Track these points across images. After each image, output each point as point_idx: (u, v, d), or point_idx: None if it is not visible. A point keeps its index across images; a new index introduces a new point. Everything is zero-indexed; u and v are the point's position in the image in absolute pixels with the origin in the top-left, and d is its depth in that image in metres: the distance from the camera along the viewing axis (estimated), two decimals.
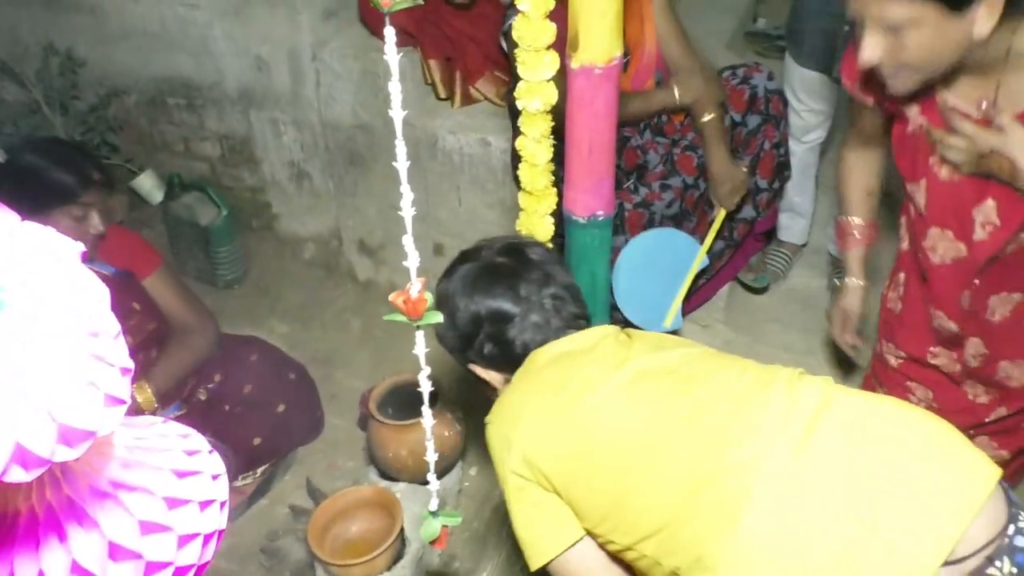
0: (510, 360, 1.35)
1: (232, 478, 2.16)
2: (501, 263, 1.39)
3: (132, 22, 2.75)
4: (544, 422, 1.21)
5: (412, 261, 1.06)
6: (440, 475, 1.98)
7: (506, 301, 1.34)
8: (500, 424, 1.27)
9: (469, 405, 2.38)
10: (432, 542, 1.33)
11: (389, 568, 1.79)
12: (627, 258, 2.06)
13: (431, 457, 1.28)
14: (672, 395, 1.19)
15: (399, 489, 1.95)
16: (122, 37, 2.79)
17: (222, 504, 0.50)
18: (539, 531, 1.23)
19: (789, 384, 1.18)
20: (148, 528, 0.44)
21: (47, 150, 1.95)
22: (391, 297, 1.07)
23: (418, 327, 1.13)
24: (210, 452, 0.53)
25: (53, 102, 2.80)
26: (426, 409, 1.24)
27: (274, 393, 2.21)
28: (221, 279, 2.84)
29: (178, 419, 2.01)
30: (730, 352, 2.43)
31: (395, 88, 0.99)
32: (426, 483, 1.96)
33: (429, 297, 1.10)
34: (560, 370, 1.27)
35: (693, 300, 2.40)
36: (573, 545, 1.23)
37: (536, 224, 1.57)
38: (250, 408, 2.20)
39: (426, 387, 1.21)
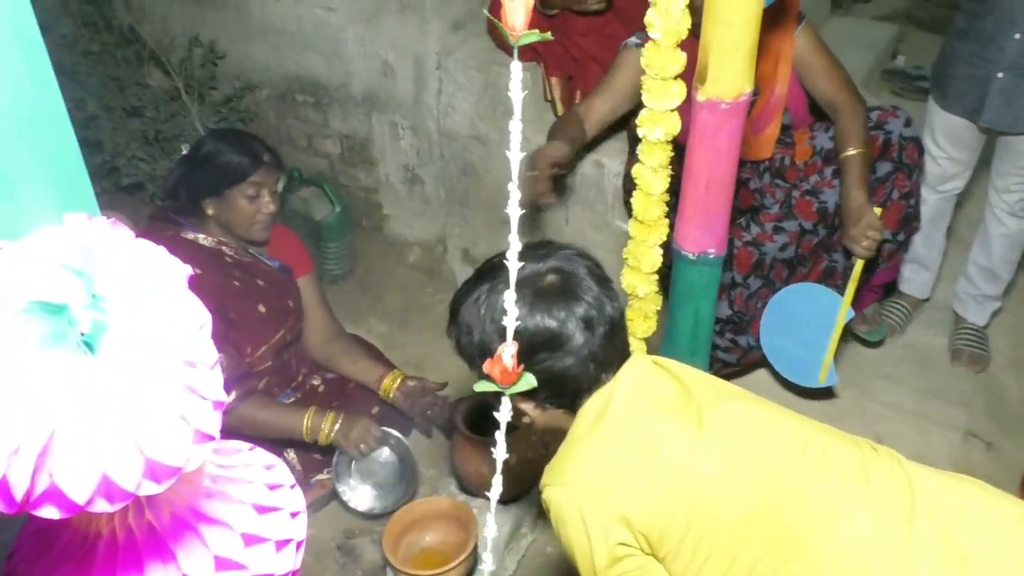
0: (556, 391, 1.21)
1: (319, 470, 2.20)
2: (554, 279, 1.20)
3: (272, 20, 2.86)
4: (648, 489, 1.13)
5: (511, 321, 0.95)
6: (519, 496, 1.96)
7: (563, 323, 1.16)
8: (587, 489, 1.14)
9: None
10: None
11: None
12: (770, 314, 2.01)
13: (491, 531, 1.21)
14: (775, 461, 1.13)
15: (477, 505, 1.93)
16: (261, 34, 2.91)
17: (298, 544, 0.49)
18: None
19: (891, 463, 1.16)
20: (223, 565, 0.43)
21: (223, 136, 2.10)
22: (485, 367, 0.99)
23: (501, 394, 1.06)
24: (292, 487, 0.51)
25: (192, 91, 2.94)
26: (497, 480, 1.16)
27: (371, 393, 2.24)
28: (328, 274, 2.91)
29: (294, 403, 2.12)
30: (835, 408, 2.36)
31: (516, 127, 0.93)
32: (504, 503, 1.96)
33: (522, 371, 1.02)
34: (641, 428, 1.16)
35: None
36: None
37: (644, 254, 1.52)
38: (350, 405, 2.23)
39: (502, 455, 1.12)
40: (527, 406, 1.25)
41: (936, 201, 2.34)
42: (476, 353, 1.21)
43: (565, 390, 1.21)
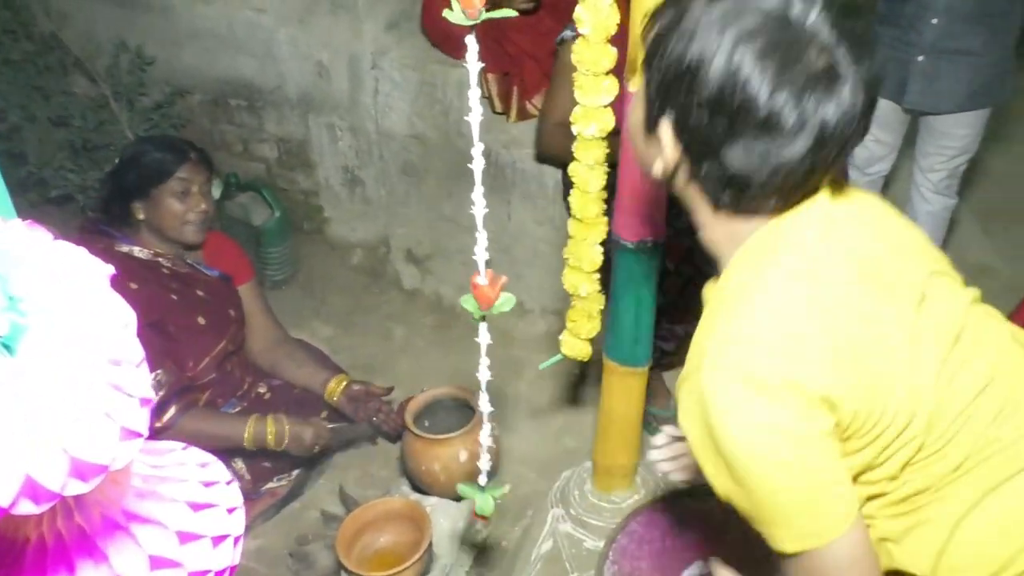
0: (737, 190, 0.90)
1: (268, 478, 2.18)
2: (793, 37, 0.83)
3: (201, 23, 2.80)
4: (843, 355, 0.89)
5: (481, 252, 1.04)
6: None
7: (786, 104, 0.82)
8: (773, 339, 0.88)
9: (504, 422, 2.37)
10: (483, 516, 1.33)
11: None
12: None
13: (484, 458, 1.23)
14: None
15: (430, 503, 1.93)
16: (190, 38, 2.85)
17: (236, 539, 0.49)
18: (821, 503, 0.90)
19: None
20: (158, 563, 0.43)
21: (147, 139, 2.08)
22: (472, 279, 1.06)
23: (482, 318, 1.12)
24: (228, 483, 0.51)
25: (121, 98, 2.87)
26: (483, 395, 1.20)
27: (318, 398, 2.22)
28: (270, 279, 2.87)
29: (239, 412, 2.09)
30: None
31: (474, 95, 1.01)
32: (457, 499, 1.96)
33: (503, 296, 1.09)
34: (851, 281, 0.92)
35: None
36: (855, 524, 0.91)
37: (585, 253, 1.54)
38: (297, 411, 2.21)
39: (485, 376, 1.18)
40: (701, 209, 0.96)
41: (865, 184, 2.42)
42: (672, 74, 0.87)
43: (770, 186, 0.88)
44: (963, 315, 1.00)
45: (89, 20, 2.96)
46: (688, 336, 2.27)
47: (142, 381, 0.42)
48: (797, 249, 0.93)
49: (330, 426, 2.10)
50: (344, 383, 2.17)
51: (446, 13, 0.97)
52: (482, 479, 1.28)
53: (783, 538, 0.93)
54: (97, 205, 2.15)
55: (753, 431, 0.87)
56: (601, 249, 1.54)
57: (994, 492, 0.98)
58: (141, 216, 2.01)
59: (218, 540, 0.47)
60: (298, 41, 2.70)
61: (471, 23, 0.97)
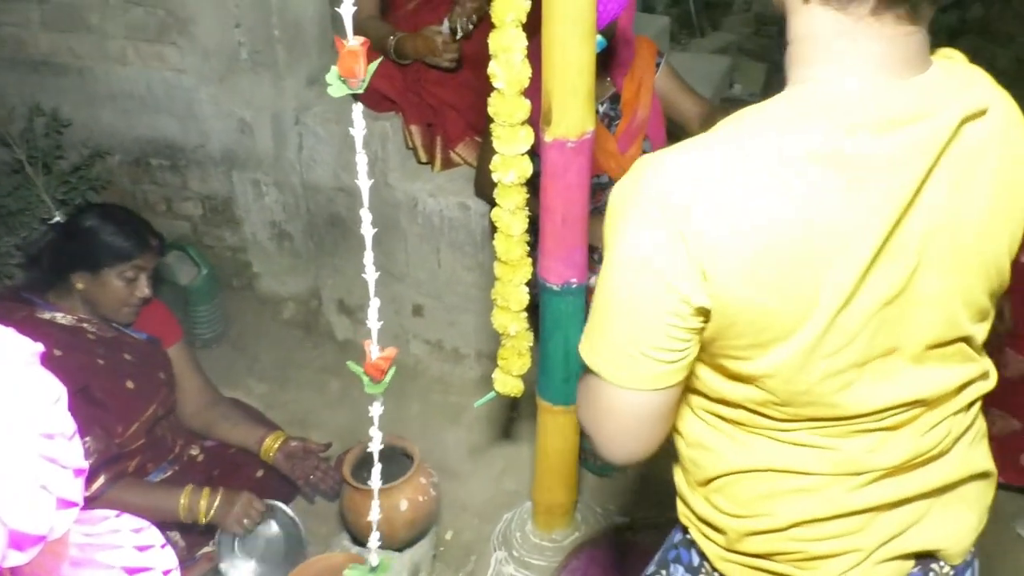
0: None
1: (204, 543, 2.13)
2: None
3: (119, 85, 2.79)
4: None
5: (373, 322, 1.05)
6: (414, 541, 1.97)
7: None
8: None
9: (443, 468, 2.38)
10: None
11: None
12: None
13: (375, 516, 1.22)
14: None
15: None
16: (108, 99, 2.83)
17: None
18: (627, 352, 0.85)
19: None
20: None
21: (109, 214, 2.04)
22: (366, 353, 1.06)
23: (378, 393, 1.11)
24: (163, 547, 0.53)
25: (36, 162, 2.82)
26: (376, 468, 1.19)
27: (254, 457, 2.19)
28: (199, 338, 2.83)
29: (171, 477, 2.03)
30: None
31: (361, 161, 1.04)
32: (400, 549, 1.96)
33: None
34: (830, 187, 0.77)
35: None
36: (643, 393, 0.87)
37: (511, 293, 1.59)
38: (233, 471, 2.18)
39: (377, 446, 1.17)
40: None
41: None
42: None
43: None
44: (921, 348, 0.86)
45: (2, 84, 2.91)
46: None
47: (75, 452, 0.44)
48: (816, 93, 0.79)
49: (269, 505, 2.04)
50: (280, 440, 2.15)
51: (329, 88, 1.01)
52: (372, 559, 1.26)
53: (585, 345, 0.90)
54: (26, 260, 2.10)
55: (622, 250, 0.82)
56: (527, 289, 1.59)
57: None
58: (80, 286, 1.98)
59: None
60: (220, 100, 2.71)
61: (354, 92, 1.01)
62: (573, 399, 1.77)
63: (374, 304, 1.06)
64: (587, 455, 2.37)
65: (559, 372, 1.72)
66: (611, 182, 2.16)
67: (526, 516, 2.00)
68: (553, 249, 1.60)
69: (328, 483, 2.12)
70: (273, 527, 2.05)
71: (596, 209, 2.01)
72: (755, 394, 0.88)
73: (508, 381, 1.69)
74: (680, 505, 1.05)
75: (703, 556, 1.03)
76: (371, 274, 1.04)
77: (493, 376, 1.70)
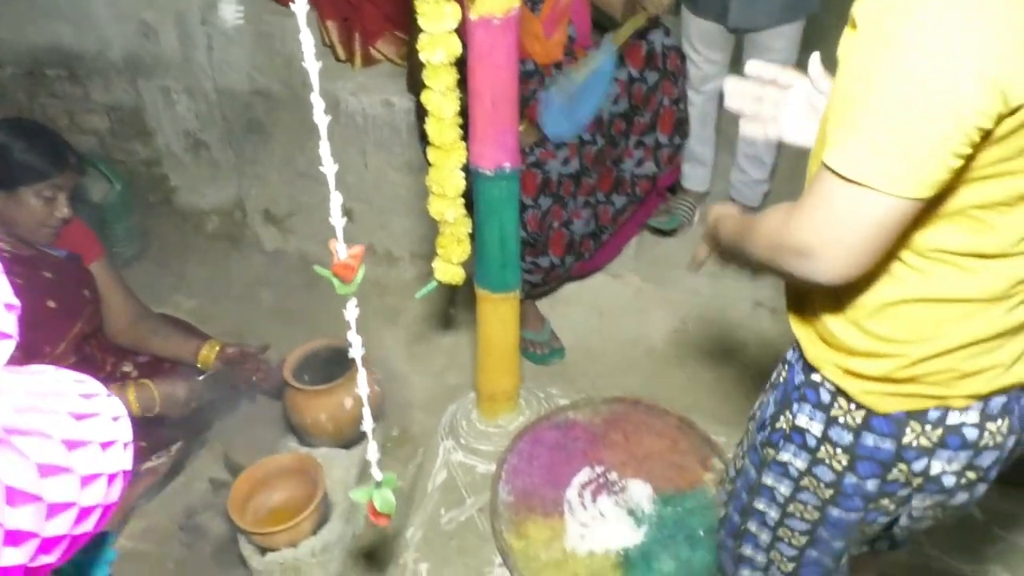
0: None
1: (146, 457, 2.11)
2: None
3: None
4: None
5: (337, 219, 1.00)
6: (361, 437, 1.98)
7: None
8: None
9: (385, 369, 2.39)
10: (383, 516, 1.23)
11: (315, 532, 1.78)
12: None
13: (368, 424, 1.21)
14: None
15: (320, 454, 1.94)
16: None
17: (125, 444, 0.49)
18: (917, 150, 0.80)
19: None
20: (47, 471, 0.43)
21: (24, 129, 1.91)
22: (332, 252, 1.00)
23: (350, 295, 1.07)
24: (108, 395, 0.51)
25: None
26: (362, 375, 1.17)
27: (191, 368, 2.15)
28: (120, 256, 2.72)
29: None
30: (640, 300, 2.55)
31: (307, 40, 0.96)
32: (346, 446, 1.97)
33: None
34: None
35: (602, 255, 2.44)
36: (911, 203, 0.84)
37: (447, 179, 1.56)
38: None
39: (359, 352, 1.14)
40: None
41: (702, 102, 2.55)
42: None
43: None
44: None
45: None
46: (553, 267, 2.36)
47: (3, 287, 0.41)
48: None
49: (207, 374, 2.04)
50: (217, 347, 2.11)
51: None
52: (375, 473, 1.24)
53: (847, 148, 0.82)
54: None
55: (926, 30, 0.76)
56: (463, 174, 1.56)
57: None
58: None
59: (106, 445, 0.47)
60: (117, 1, 2.53)
61: None
62: (511, 286, 1.78)
63: (336, 199, 1.01)
64: (528, 345, 2.43)
65: (495, 259, 1.72)
66: (536, 69, 2.12)
67: (471, 405, 2.03)
68: (484, 133, 1.57)
69: (270, 383, 2.11)
70: None
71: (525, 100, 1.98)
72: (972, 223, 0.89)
73: (449, 269, 1.67)
74: (813, 347, 1.07)
75: (838, 392, 1.05)
76: (329, 167, 0.98)
77: (433, 265, 1.69)
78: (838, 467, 1.07)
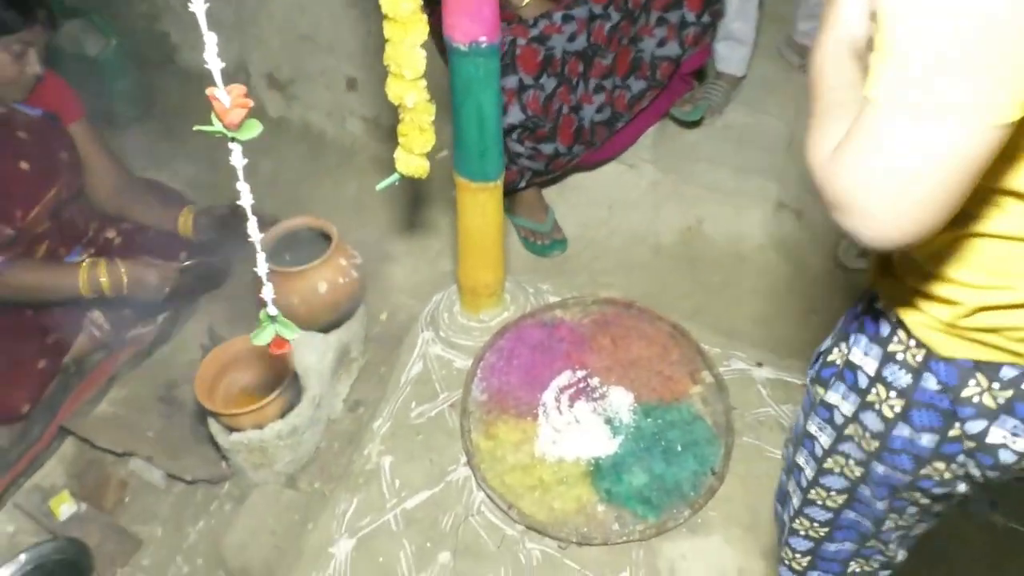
0: None
1: (132, 325, 2.11)
2: None
3: None
4: None
5: (213, 63, 0.86)
6: (339, 322, 1.93)
7: None
8: None
9: (380, 250, 2.30)
10: (269, 346, 1.13)
11: (283, 416, 1.76)
12: None
13: (268, 296, 1.10)
14: None
15: (294, 337, 1.87)
16: None
17: None
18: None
19: None
20: None
21: None
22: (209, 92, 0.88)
23: (234, 140, 0.95)
24: None
25: None
26: (253, 222, 1.03)
27: (177, 240, 2.10)
28: (121, 117, 2.64)
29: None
30: (654, 194, 2.38)
31: None
32: (324, 330, 1.92)
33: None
34: None
35: (616, 143, 2.26)
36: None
37: (405, 57, 1.39)
38: (154, 253, 2.10)
39: (247, 200, 1.00)
40: None
41: None
42: None
43: None
44: None
45: None
46: (558, 155, 2.20)
47: None
48: None
49: (183, 265, 1.99)
50: (197, 209, 2.04)
51: None
52: (271, 309, 1.13)
53: (911, 76, 0.63)
54: None
55: None
56: (423, 52, 1.40)
57: None
58: None
59: None
60: None
61: None
62: (492, 175, 1.65)
63: (210, 40, 0.87)
64: (528, 234, 2.32)
65: (474, 145, 1.58)
66: None
67: (455, 297, 1.95)
68: (455, 2, 1.39)
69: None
70: None
71: None
72: None
73: (411, 161, 1.54)
74: (874, 270, 0.90)
75: (898, 325, 0.88)
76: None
77: (395, 155, 1.56)
78: (889, 414, 0.89)
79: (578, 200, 2.39)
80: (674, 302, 2.14)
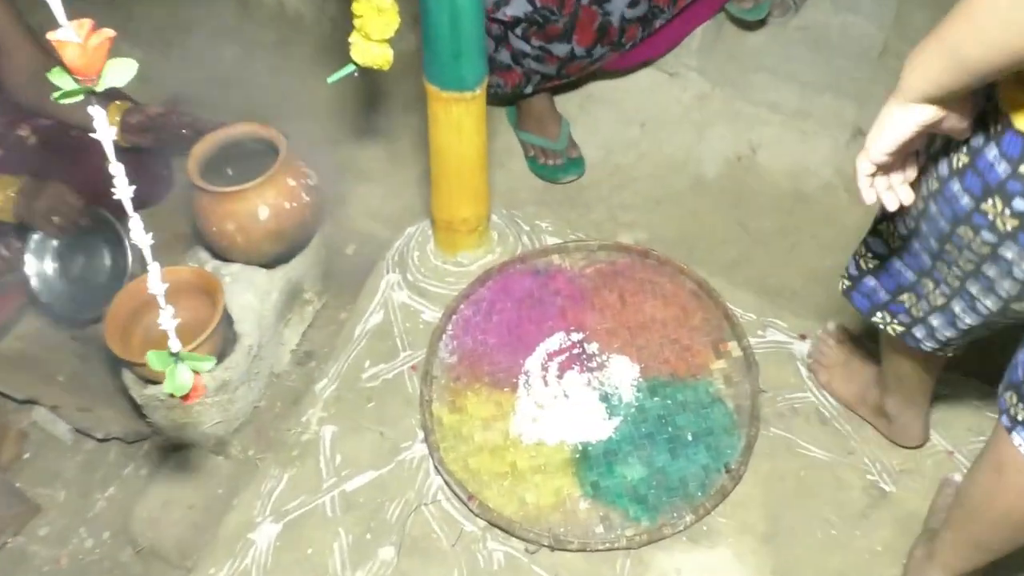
0: None
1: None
2: None
3: None
4: None
5: None
6: (287, 256, 1.89)
7: None
8: None
9: (355, 167, 2.26)
10: (183, 397, 1.03)
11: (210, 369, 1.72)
12: None
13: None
14: None
15: (231, 272, 1.84)
16: None
17: None
18: None
19: None
20: None
21: None
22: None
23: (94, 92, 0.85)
24: None
25: None
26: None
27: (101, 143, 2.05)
28: None
29: None
30: (703, 112, 2.26)
31: None
32: (267, 265, 1.87)
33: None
34: None
35: (653, 44, 2.14)
36: None
37: None
38: (73, 159, 2.05)
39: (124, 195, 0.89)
40: None
41: None
42: None
43: None
44: None
45: None
46: (574, 58, 2.07)
47: None
48: None
49: (77, 200, 1.93)
50: (122, 111, 1.98)
51: None
52: (173, 344, 0.99)
53: None
54: None
55: None
56: None
57: None
58: None
59: None
60: None
61: None
62: (468, 82, 1.55)
63: None
64: (536, 152, 2.24)
65: (445, 44, 1.47)
66: None
67: (430, 232, 1.89)
68: None
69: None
70: (103, 252, 2.00)
71: None
72: None
73: (368, 49, 1.45)
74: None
75: (991, 86, 0.97)
76: None
77: (350, 40, 1.47)
78: (956, 165, 1.02)
79: (602, 115, 2.31)
80: (710, 250, 2.07)
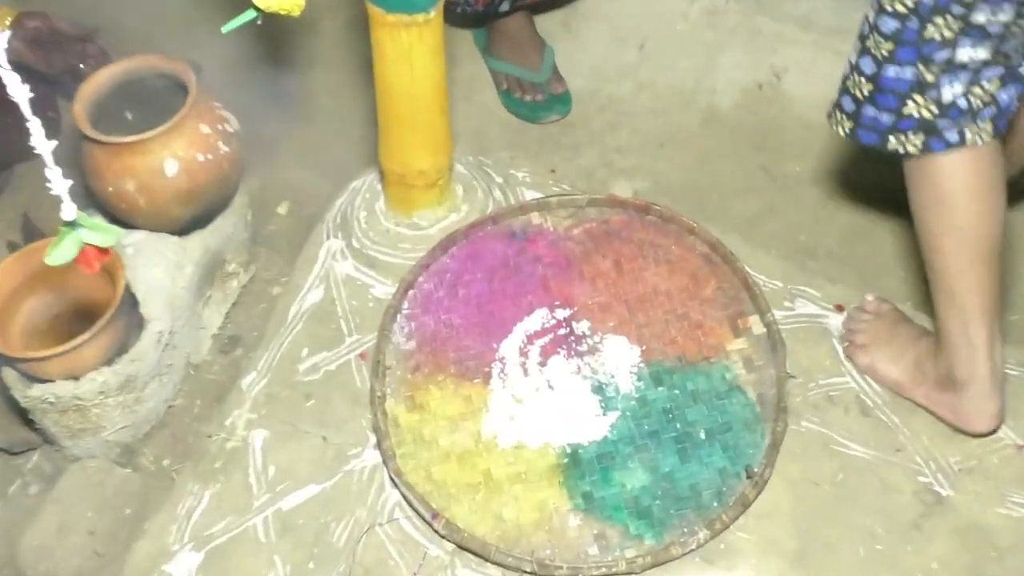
0: None
1: None
2: None
3: None
4: None
5: None
6: (202, 220, 1.89)
7: None
8: None
9: (300, 105, 2.29)
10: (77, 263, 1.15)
11: (109, 361, 1.70)
12: None
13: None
14: None
15: (133, 241, 1.82)
16: None
17: None
18: None
19: None
20: None
21: None
22: None
23: None
24: None
25: None
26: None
27: None
28: None
29: None
30: (715, 31, 2.25)
31: None
32: (176, 233, 1.84)
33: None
34: None
35: None
36: None
37: None
38: None
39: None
40: None
41: None
42: None
43: None
44: None
45: None
46: None
47: None
48: None
49: None
50: (10, 18, 1.97)
51: None
52: (66, 211, 1.10)
53: None
54: None
55: None
56: None
57: None
58: None
59: None
60: None
61: None
62: (420, 3, 1.51)
63: None
64: (512, 85, 2.26)
65: None
66: None
67: (378, 188, 1.91)
68: None
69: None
70: None
71: None
72: None
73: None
74: None
75: None
76: None
77: None
78: None
79: (593, 35, 2.34)
80: (725, 201, 2.09)
